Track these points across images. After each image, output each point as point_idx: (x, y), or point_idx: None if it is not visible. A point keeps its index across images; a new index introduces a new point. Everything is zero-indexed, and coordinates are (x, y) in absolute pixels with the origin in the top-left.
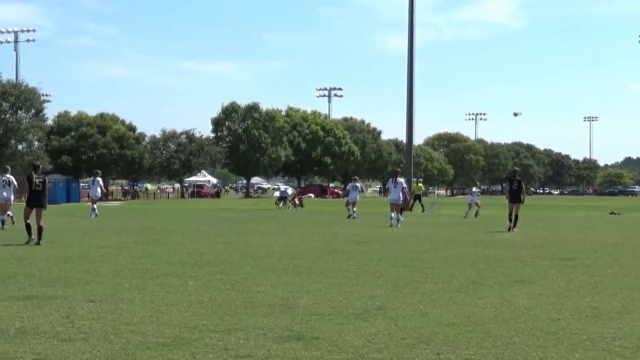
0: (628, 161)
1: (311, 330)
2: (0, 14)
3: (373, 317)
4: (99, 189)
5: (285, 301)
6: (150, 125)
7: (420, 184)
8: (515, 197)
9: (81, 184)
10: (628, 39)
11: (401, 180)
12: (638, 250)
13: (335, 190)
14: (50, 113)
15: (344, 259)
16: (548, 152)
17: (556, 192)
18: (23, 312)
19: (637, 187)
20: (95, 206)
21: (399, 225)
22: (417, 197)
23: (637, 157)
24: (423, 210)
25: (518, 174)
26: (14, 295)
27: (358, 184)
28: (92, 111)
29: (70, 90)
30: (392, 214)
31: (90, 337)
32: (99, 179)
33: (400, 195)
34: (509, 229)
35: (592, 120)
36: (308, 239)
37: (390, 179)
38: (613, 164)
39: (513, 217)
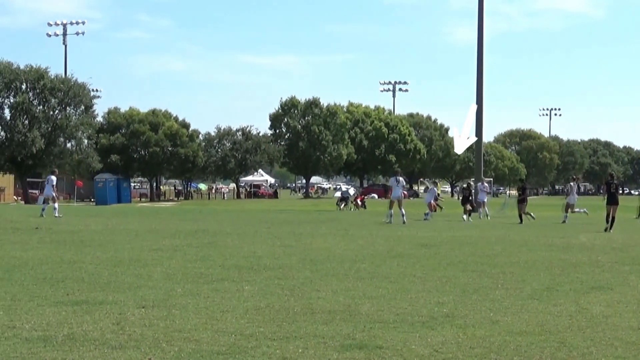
0: None
1: (374, 338)
2: (48, 6)
3: (440, 325)
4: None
5: (347, 308)
6: (204, 122)
7: (439, 184)
8: (613, 200)
9: (132, 184)
10: None
11: (401, 178)
12: None
13: None
14: (100, 109)
15: (410, 263)
16: (628, 150)
17: (636, 193)
18: (72, 317)
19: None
20: (56, 205)
21: (404, 220)
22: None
23: None
24: (439, 209)
25: (615, 178)
26: (62, 301)
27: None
28: (144, 107)
29: (121, 85)
30: (391, 211)
31: (142, 345)
32: (53, 178)
33: (401, 192)
34: (606, 230)
35: None
36: (371, 241)
37: (393, 178)
38: None
39: (610, 219)
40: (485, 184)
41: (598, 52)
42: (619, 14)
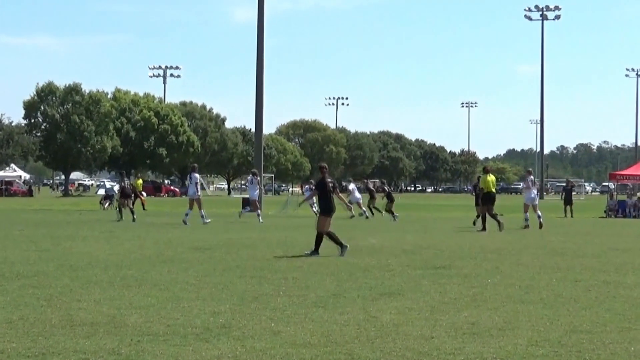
0: (511, 154)
1: (142, 353)
2: None
3: (215, 337)
4: None
5: (112, 319)
6: None
7: (140, 180)
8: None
9: None
10: (513, 14)
11: (196, 175)
12: (522, 257)
13: (172, 187)
14: None
15: (181, 268)
16: (420, 143)
17: (429, 190)
18: None
19: (522, 183)
20: None
21: (205, 221)
22: (137, 195)
23: (522, 150)
24: (132, 213)
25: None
26: None
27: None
28: None
29: None
30: (189, 211)
31: None
32: None
33: (197, 190)
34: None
35: (471, 106)
36: (139, 245)
37: (189, 175)
38: (494, 157)
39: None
40: (353, 185)
41: (388, 35)
42: None
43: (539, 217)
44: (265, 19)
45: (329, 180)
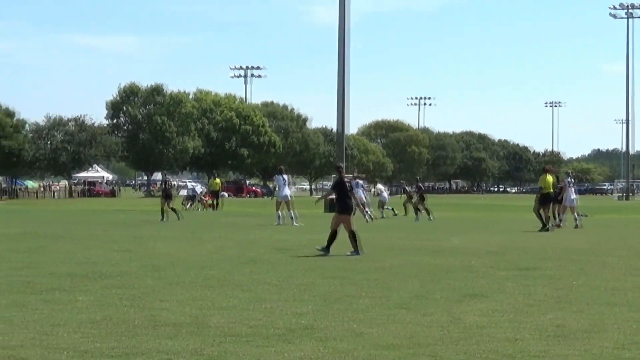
0: (597, 154)
1: (225, 354)
2: None
3: (299, 338)
4: None
5: (195, 320)
6: (32, 111)
7: (217, 179)
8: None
9: None
10: (597, 12)
11: (285, 176)
12: (608, 258)
13: (254, 188)
14: None
15: (264, 269)
16: (504, 144)
17: (513, 190)
18: None
19: (607, 184)
20: None
21: (294, 224)
22: (215, 194)
23: (607, 150)
24: (213, 209)
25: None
26: None
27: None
28: None
29: None
30: (279, 213)
31: None
32: None
33: (289, 191)
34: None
35: (556, 106)
36: (221, 245)
37: (278, 175)
38: (580, 157)
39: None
40: (381, 186)
41: (472, 36)
42: None
43: (575, 219)
44: (347, 20)
45: (346, 179)
